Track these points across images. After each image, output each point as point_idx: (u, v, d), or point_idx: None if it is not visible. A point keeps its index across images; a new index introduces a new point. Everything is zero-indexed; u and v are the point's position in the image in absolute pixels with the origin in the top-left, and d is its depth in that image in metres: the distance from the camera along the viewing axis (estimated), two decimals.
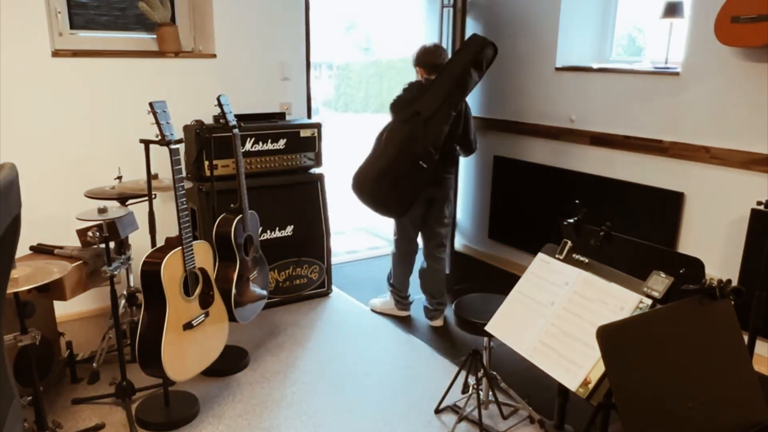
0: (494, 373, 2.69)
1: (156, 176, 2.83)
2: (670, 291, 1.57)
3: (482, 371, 2.52)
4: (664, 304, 1.56)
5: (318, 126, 3.66)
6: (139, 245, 3.07)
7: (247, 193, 2.89)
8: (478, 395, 2.52)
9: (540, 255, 1.94)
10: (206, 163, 3.18)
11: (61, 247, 2.63)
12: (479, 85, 4.03)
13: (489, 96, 4.47)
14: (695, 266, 1.72)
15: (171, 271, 2.32)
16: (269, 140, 3.51)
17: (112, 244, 2.56)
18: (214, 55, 3.61)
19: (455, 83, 3.22)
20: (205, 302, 2.52)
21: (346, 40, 5.59)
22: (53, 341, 2.67)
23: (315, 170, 3.75)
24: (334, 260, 3.99)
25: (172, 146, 2.31)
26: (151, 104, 2.27)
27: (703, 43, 3.15)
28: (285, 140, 3.55)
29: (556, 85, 4.01)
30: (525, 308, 1.85)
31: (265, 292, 3.09)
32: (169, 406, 2.58)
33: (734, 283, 1.45)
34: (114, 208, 2.46)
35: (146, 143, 2.52)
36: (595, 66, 3.86)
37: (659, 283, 1.59)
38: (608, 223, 1.95)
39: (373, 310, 3.69)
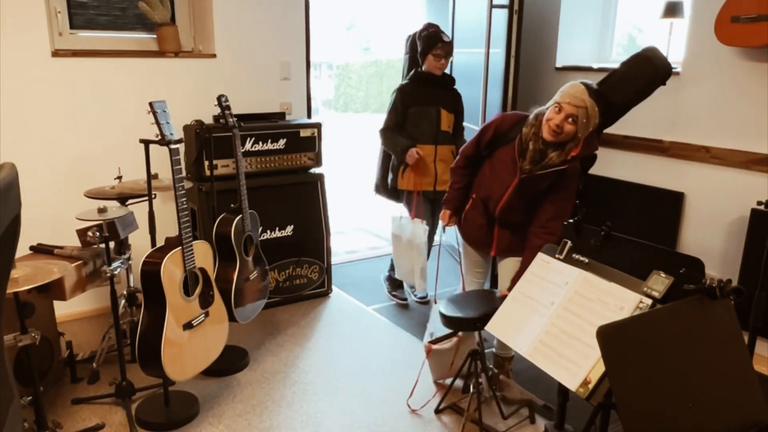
0: (494, 371, 2.69)
1: (156, 176, 2.83)
2: (670, 291, 1.57)
3: (482, 371, 2.52)
4: (664, 304, 1.56)
5: (318, 126, 3.66)
6: (139, 245, 3.07)
7: (247, 193, 2.89)
8: (479, 395, 2.52)
9: (540, 255, 1.94)
10: (206, 163, 3.18)
11: (61, 247, 2.62)
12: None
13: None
14: (695, 266, 1.71)
15: (171, 271, 2.32)
16: (269, 140, 3.50)
17: (112, 244, 2.56)
18: (214, 55, 3.61)
19: None
20: (205, 302, 2.52)
21: (346, 40, 5.59)
22: (53, 341, 2.67)
23: (315, 170, 3.75)
24: (334, 260, 3.99)
25: (172, 146, 2.31)
26: (151, 104, 2.27)
27: (703, 43, 3.15)
28: (285, 140, 3.55)
29: (556, 85, 4.00)
30: (525, 308, 1.85)
31: (265, 292, 3.09)
32: (169, 406, 2.58)
33: (734, 283, 1.45)
34: (114, 208, 2.46)
35: (146, 143, 2.52)
36: (595, 66, 3.86)
37: (659, 283, 1.59)
38: (608, 223, 1.95)
39: None
